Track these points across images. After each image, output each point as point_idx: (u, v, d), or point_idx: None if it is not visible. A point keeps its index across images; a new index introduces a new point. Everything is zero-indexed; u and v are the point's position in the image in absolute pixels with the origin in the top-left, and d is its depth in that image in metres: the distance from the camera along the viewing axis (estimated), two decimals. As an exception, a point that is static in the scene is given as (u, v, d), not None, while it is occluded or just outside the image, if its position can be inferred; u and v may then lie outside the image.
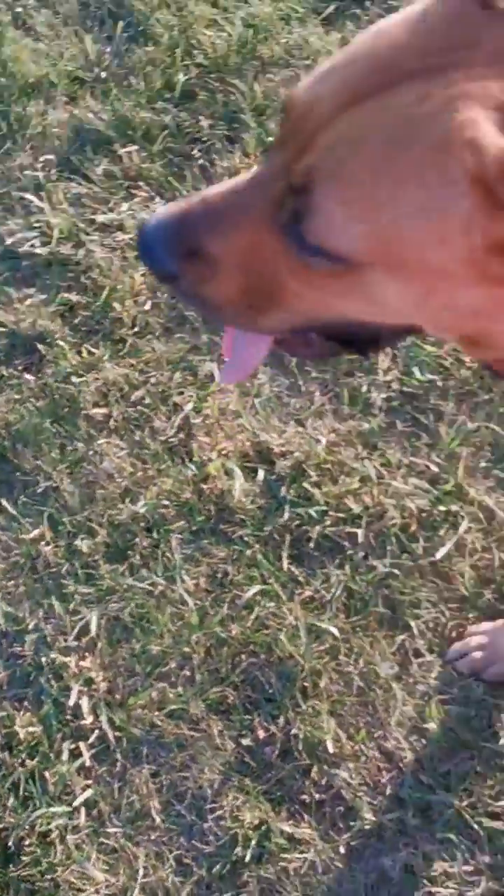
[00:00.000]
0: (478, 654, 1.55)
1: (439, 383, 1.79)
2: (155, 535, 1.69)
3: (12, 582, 1.67)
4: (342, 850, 1.45)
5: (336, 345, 0.84)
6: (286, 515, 1.68)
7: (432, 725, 1.51)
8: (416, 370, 1.80)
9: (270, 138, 2.10)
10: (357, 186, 0.64)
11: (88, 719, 1.54)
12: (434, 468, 1.72)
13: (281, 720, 1.53)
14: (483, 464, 1.72)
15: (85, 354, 1.87)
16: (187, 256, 0.73)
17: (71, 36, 2.35)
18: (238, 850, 1.44)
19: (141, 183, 2.10)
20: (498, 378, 0.88)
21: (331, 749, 1.49)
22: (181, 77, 2.21)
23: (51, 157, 2.15)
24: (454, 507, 1.67)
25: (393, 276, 0.66)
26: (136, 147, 2.14)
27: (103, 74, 2.28)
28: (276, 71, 2.24)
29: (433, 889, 1.41)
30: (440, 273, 0.66)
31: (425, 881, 1.42)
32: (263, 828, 1.45)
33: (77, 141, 2.17)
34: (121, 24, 2.32)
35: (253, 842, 1.44)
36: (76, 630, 1.61)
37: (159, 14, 2.34)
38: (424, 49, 0.62)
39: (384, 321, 0.74)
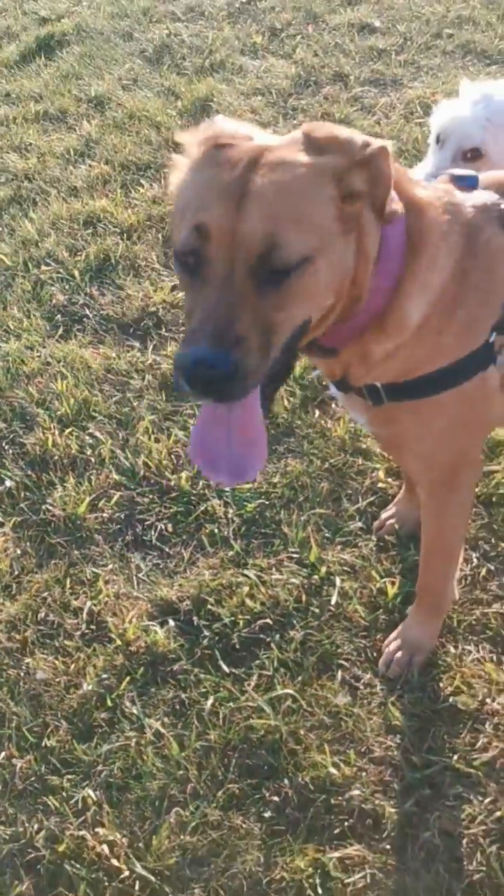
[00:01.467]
0: (399, 655, 1.89)
1: (266, 502, 2.28)
2: (108, 702, 1.87)
3: (-1, 809, 1.72)
4: (388, 847, 1.60)
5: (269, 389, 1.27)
6: (207, 636, 1.97)
7: (399, 719, 1.78)
8: (246, 503, 2.29)
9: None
10: (289, 221, 1.16)
11: (126, 873, 1.59)
12: (296, 555, 2.14)
13: (286, 781, 1.70)
14: (327, 535, 2.18)
15: (-18, 605, 2.11)
16: (232, 348, 1.12)
17: None
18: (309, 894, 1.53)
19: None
20: (330, 355, 1.40)
21: (336, 774, 1.69)
22: (-30, 404, 2.75)
23: None
24: (324, 570, 2.08)
25: (319, 254, 1.18)
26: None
27: None
28: (42, 377, 2.86)
29: (473, 834, 1.60)
30: (331, 233, 1.19)
31: (463, 835, 1.61)
32: (319, 869, 1.57)
33: None
34: None
35: (317, 880, 1.54)
36: (79, 808, 1.69)
37: None
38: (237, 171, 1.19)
39: (322, 307, 1.23)
